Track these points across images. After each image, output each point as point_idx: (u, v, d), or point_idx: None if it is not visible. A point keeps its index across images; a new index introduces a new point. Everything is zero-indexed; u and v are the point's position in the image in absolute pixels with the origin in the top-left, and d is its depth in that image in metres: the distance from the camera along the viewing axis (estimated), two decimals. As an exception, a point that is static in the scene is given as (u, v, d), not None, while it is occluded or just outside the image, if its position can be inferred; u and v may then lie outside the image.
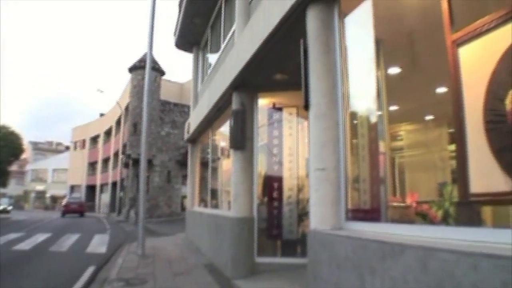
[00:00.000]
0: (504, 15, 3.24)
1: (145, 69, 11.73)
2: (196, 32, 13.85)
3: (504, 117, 3.18)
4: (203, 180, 14.25)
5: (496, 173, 3.27)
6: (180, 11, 13.64)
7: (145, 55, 15.81)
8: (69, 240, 14.68)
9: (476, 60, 3.56)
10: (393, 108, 8.14)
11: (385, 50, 4.96)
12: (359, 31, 4.54)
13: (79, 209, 36.60)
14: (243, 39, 7.06)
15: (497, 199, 3.60)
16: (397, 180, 9.06)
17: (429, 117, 8.97)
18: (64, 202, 38.72)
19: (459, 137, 3.69)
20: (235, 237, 7.50)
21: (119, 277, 7.41)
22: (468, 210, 3.85)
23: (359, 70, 4.52)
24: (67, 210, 36.15)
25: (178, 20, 14.15)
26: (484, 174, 3.47)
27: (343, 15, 4.48)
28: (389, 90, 5.36)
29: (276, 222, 7.89)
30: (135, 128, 30.61)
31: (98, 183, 51.28)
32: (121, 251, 11.29)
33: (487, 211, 4.20)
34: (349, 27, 4.50)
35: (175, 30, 14.85)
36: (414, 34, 5.66)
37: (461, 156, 3.66)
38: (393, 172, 9.08)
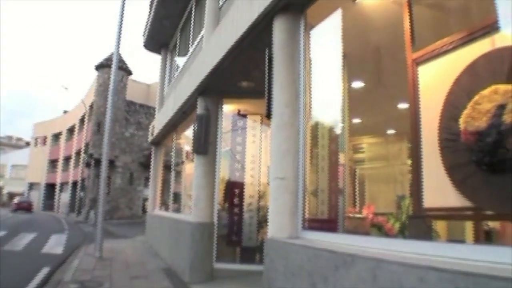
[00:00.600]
0: (461, 38, 3.36)
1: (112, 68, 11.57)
2: (165, 34, 13.77)
3: (457, 136, 3.29)
4: (165, 183, 14.11)
5: (448, 189, 3.37)
6: (150, 12, 13.54)
7: (113, 54, 15.51)
8: (25, 239, 14.22)
9: (434, 80, 3.68)
10: (356, 120, 8.32)
11: (349, 64, 5.06)
12: (324, 44, 4.62)
13: (27, 206, 44.16)
14: (211, 44, 7.06)
15: (449, 214, 3.72)
16: (357, 191, 9.22)
17: (390, 131, 9.20)
18: (16, 200, 46.25)
19: (415, 153, 3.80)
20: (194, 242, 7.45)
21: (74, 279, 7.22)
22: (421, 223, 3.96)
23: (322, 82, 4.59)
24: (18, 207, 43.15)
25: (148, 21, 14.04)
26: (437, 190, 3.57)
27: (309, 27, 4.55)
28: (352, 103, 5.48)
29: (236, 229, 7.90)
30: (99, 128, 30.06)
31: (58, 181, 49.81)
32: (78, 252, 11.01)
33: (440, 225, 4.35)
34: (314, 39, 4.58)
35: (145, 31, 14.73)
36: (379, 50, 5.81)
37: (416, 171, 3.77)
38: (354, 183, 9.25)
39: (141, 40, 15.39)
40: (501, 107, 2.94)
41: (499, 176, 3.02)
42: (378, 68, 6.32)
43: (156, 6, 12.33)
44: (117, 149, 31.13)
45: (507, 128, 2.87)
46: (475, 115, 3.14)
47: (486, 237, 4.14)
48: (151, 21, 13.34)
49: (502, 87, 2.96)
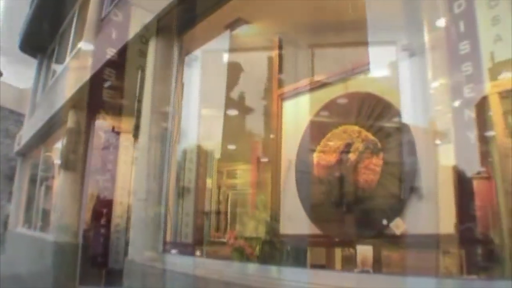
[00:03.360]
0: (320, 80, 3.70)
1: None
2: (43, 37, 12.90)
3: (311, 168, 3.57)
4: (31, 199, 13.08)
5: (302, 217, 3.61)
6: (29, 11, 12.62)
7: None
8: None
9: (296, 115, 3.96)
10: (231, 147, 8.53)
11: (225, 92, 5.21)
12: (199, 70, 4.73)
13: None
14: (89, 56, 6.81)
15: (301, 241, 3.97)
16: (229, 216, 9.36)
17: (264, 160, 9.54)
18: None
19: (274, 182, 4.03)
20: (56, 263, 7.06)
21: None
22: (275, 248, 4.18)
23: (194, 108, 4.68)
24: None
25: (26, 20, 13.06)
26: (292, 217, 3.80)
27: (185, 53, 4.63)
28: (226, 130, 5.62)
29: (102, 250, 7.56)
30: (-42, 131, 27.00)
31: None
32: None
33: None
34: (190, 64, 4.66)
35: (21, 31, 13.66)
36: (255, 82, 6.07)
37: (275, 199, 3.99)
38: (226, 207, 9.39)
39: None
40: (349, 145, 3.26)
41: (344, 207, 3.33)
42: (253, 98, 6.59)
43: (35, 6, 11.55)
44: (-21, 157, 28.17)
45: (352, 164, 3.19)
46: (327, 151, 3.43)
47: (344, 262, 4.49)
48: (29, 21, 12.44)
49: (350, 128, 3.29)
